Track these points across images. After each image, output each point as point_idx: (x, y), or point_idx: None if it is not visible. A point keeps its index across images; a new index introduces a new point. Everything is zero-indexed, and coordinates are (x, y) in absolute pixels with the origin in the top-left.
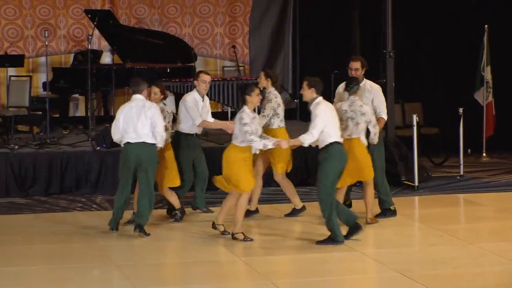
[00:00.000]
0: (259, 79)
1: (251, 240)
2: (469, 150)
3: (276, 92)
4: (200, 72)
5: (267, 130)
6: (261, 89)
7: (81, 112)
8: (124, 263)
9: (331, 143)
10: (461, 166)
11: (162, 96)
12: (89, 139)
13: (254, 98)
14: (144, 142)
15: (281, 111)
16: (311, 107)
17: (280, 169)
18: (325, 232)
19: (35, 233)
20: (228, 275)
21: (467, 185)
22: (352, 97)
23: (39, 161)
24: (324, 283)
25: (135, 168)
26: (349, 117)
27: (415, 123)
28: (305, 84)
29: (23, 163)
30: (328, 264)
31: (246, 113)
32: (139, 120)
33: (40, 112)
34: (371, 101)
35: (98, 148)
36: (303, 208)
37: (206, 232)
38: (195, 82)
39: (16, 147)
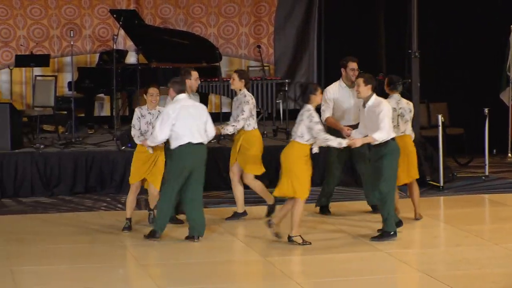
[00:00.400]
0: (232, 80)
1: (310, 243)
2: (494, 151)
3: (249, 93)
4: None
5: (243, 132)
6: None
7: (106, 112)
8: (149, 262)
9: (392, 139)
10: (486, 167)
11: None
12: (114, 138)
13: (318, 97)
14: (202, 142)
15: (255, 112)
16: (369, 104)
17: (249, 170)
18: (346, 229)
19: (60, 232)
20: (253, 274)
21: (492, 186)
22: (395, 95)
23: (64, 160)
24: (349, 283)
25: (191, 170)
26: (399, 114)
27: (440, 123)
28: (361, 81)
29: (48, 163)
30: (353, 264)
31: (314, 111)
32: (200, 120)
33: (66, 112)
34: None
35: (123, 147)
36: (275, 204)
37: (231, 232)
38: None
39: (42, 146)
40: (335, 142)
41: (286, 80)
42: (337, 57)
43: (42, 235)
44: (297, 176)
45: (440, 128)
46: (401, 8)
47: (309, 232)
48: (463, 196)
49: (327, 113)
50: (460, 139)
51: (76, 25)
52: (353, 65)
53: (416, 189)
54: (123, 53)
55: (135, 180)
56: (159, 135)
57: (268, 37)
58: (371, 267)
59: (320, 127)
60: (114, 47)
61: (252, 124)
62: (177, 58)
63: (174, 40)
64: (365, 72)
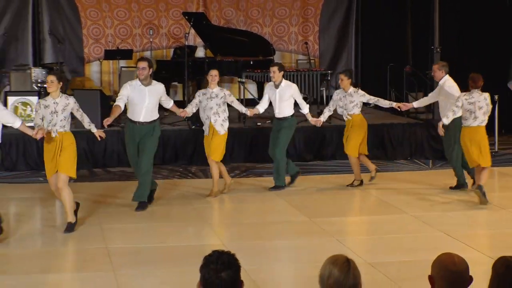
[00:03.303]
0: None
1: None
2: (502, 131)
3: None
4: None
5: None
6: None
7: (179, 97)
8: (215, 221)
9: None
10: (496, 144)
11: None
12: (186, 119)
13: None
14: None
15: None
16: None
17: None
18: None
19: None
20: (301, 232)
21: (501, 160)
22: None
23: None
24: (380, 240)
25: None
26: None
27: None
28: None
29: None
30: (384, 224)
31: None
32: None
33: None
34: None
35: (193, 126)
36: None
37: (283, 197)
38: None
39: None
40: None
41: (329, 71)
42: (371, 52)
43: (126, 199)
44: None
45: None
46: (425, 9)
47: (349, 196)
48: None
49: None
50: None
51: (154, 25)
52: (139, 63)
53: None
54: (193, 48)
55: None
56: None
57: (314, 35)
58: (400, 227)
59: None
60: (186, 43)
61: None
62: (238, 52)
63: (235, 38)
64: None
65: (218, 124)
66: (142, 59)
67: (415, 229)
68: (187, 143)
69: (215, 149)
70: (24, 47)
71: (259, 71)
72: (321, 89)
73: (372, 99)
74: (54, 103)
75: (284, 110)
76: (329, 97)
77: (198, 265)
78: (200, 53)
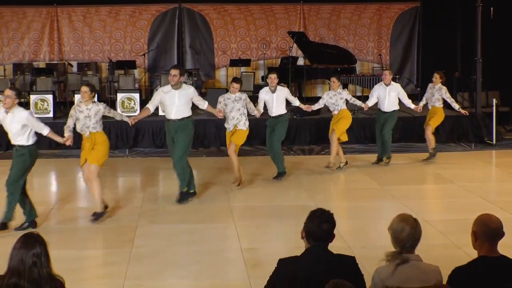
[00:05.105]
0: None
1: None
2: None
3: None
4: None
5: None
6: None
7: None
8: (310, 187)
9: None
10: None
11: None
12: (289, 111)
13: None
14: None
15: None
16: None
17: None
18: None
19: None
20: (371, 197)
21: None
22: None
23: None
24: (433, 203)
25: None
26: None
27: (494, 104)
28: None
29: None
30: (436, 191)
31: None
32: None
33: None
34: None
35: (295, 116)
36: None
37: (361, 169)
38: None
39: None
40: None
41: (397, 76)
42: (429, 61)
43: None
44: None
45: (494, 107)
46: (471, 24)
47: (413, 171)
48: (508, 150)
49: None
50: (507, 114)
51: (266, 41)
52: (172, 71)
53: None
54: (295, 58)
55: None
56: None
57: (386, 49)
58: (448, 194)
59: None
60: (290, 55)
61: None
62: (329, 61)
63: (327, 50)
64: (446, 70)
65: (242, 123)
66: (175, 67)
67: (460, 195)
68: (289, 128)
69: (239, 138)
70: (171, 57)
71: (344, 75)
72: None
73: (352, 99)
74: (86, 109)
75: (279, 109)
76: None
77: (299, 220)
78: (300, 62)
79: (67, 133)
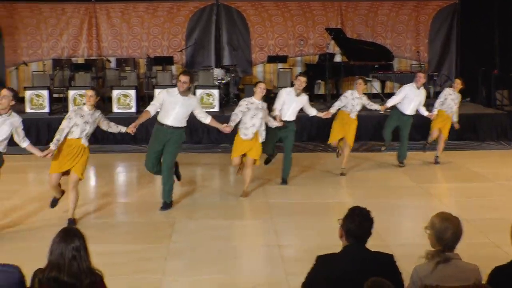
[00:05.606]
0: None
1: None
2: None
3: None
4: (180, 73)
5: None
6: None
7: (321, 91)
8: (348, 184)
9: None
10: None
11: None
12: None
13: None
14: None
15: None
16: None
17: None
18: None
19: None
20: (408, 195)
21: None
22: None
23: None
24: (472, 201)
25: None
26: None
27: None
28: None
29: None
30: (475, 190)
31: None
32: None
33: None
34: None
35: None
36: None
37: (399, 169)
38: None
39: None
40: None
41: (435, 73)
42: (467, 58)
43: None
44: None
45: None
46: (509, 21)
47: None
48: None
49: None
50: None
51: (304, 37)
52: (182, 77)
53: None
54: (332, 55)
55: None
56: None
57: (424, 46)
58: (487, 192)
59: None
60: (327, 51)
61: None
62: (366, 58)
63: (364, 47)
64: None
65: (262, 130)
66: (186, 73)
67: (500, 193)
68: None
69: (257, 153)
70: (208, 53)
71: (381, 72)
72: (429, 86)
73: (369, 103)
74: (88, 114)
75: (293, 115)
76: (436, 94)
77: (336, 217)
78: (338, 58)
79: (53, 146)
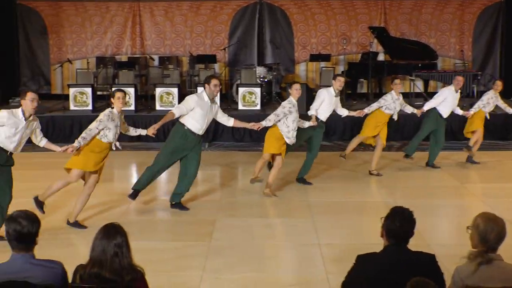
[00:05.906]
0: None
1: None
2: None
3: None
4: (211, 77)
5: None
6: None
7: (364, 90)
8: (388, 184)
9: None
10: None
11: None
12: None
13: None
14: None
15: None
16: None
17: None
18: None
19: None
20: (450, 194)
21: None
22: None
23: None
24: (499, 202)
25: None
26: None
27: None
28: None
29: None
30: (501, 190)
31: None
32: None
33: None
34: None
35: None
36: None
37: (441, 167)
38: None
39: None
40: None
41: (479, 72)
42: None
43: (328, 165)
44: None
45: None
46: None
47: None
48: None
49: None
50: None
51: (347, 36)
52: (215, 81)
53: None
54: (376, 54)
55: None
56: None
57: (468, 45)
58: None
59: None
60: (370, 50)
61: None
62: (410, 57)
63: (408, 46)
64: None
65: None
66: (215, 77)
67: None
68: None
69: (284, 153)
70: (251, 52)
71: (425, 71)
72: (473, 85)
73: (403, 105)
74: (118, 117)
75: (327, 115)
76: (479, 93)
77: (378, 216)
78: (381, 57)
79: (77, 144)
